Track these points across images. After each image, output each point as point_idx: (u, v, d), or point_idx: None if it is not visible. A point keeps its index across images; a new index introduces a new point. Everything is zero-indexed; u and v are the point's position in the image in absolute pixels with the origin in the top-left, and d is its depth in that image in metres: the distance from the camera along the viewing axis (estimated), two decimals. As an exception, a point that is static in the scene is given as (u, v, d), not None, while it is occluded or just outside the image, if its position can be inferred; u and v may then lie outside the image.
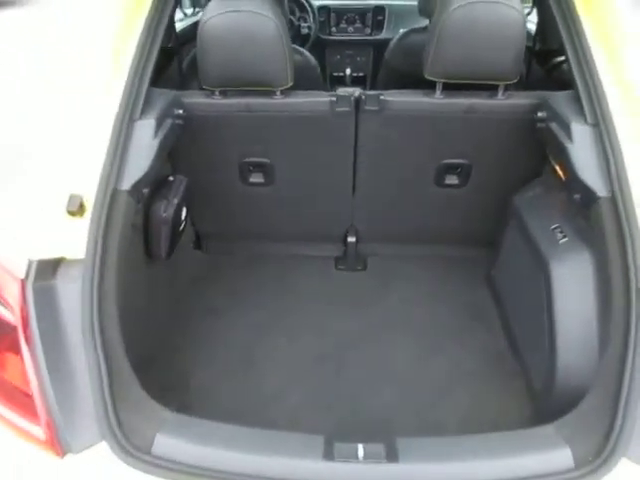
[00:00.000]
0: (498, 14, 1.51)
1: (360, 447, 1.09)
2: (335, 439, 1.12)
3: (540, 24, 2.24)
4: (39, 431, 1.07)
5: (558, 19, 1.56)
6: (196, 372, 1.70)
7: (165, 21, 1.61)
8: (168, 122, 1.57)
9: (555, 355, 1.40)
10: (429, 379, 1.67)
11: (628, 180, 1.26)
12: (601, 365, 1.19)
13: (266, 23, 1.55)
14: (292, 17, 3.15)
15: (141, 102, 1.46)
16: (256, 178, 1.94)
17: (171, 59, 2.27)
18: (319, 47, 3.15)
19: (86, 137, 1.36)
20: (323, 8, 3.26)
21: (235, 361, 1.74)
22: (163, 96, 1.61)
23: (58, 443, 1.07)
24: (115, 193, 1.33)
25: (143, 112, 1.47)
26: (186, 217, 1.79)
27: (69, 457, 1.06)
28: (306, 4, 3.20)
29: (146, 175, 1.43)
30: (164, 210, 1.58)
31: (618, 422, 1.06)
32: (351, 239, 2.12)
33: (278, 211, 2.06)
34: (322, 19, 3.26)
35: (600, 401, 1.13)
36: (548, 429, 1.14)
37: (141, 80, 1.48)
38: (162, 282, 1.85)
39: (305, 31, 3.18)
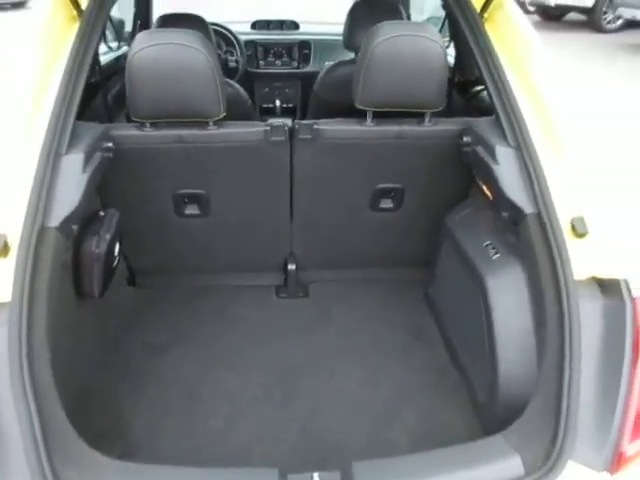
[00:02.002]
0: (420, 46, 1.60)
1: (315, 476, 1.07)
2: (289, 470, 1.09)
3: (457, 57, 2.39)
4: (-37, 495, 0.97)
5: (476, 53, 1.67)
6: (136, 414, 1.61)
7: (91, 54, 1.57)
8: (97, 156, 1.52)
9: (496, 366, 1.45)
10: (376, 401, 1.67)
11: (551, 197, 1.35)
12: (541, 373, 1.25)
13: (196, 55, 1.55)
14: (219, 51, 3.17)
15: (67, 136, 1.42)
16: (191, 210, 1.90)
17: (95, 93, 2.22)
18: (248, 80, 3.17)
19: (9, 173, 1.29)
20: (250, 42, 3.31)
21: (177, 399, 1.66)
22: (91, 129, 1.56)
23: (-15, 506, 0.97)
24: (42, 230, 1.26)
25: (70, 146, 1.42)
26: (119, 252, 1.71)
27: (-1, 521, 0.97)
28: (232, 38, 3.23)
29: (76, 210, 1.37)
30: (96, 246, 1.51)
31: (562, 426, 1.11)
32: (291, 267, 2.11)
33: (216, 242, 2.03)
34: (249, 53, 3.30)
35: (543, 407, 1.18)
36: (497, 439, 1.17)
37: (67, 114, 1.43)
38: (95, 322, 1.76)
39: (233, 64, 3.20)
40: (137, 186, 1.82)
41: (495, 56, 1.62)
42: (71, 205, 1.36)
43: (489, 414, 1.50)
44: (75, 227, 1.43)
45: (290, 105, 3.33)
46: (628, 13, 8.62)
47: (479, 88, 2.30)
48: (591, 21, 9.72)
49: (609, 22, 9.61)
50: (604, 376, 1.16)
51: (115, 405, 1.62)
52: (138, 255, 2.05)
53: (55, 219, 1.30)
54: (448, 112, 1.93)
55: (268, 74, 3.32)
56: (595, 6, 9.46)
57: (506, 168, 1.48)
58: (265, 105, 3.31)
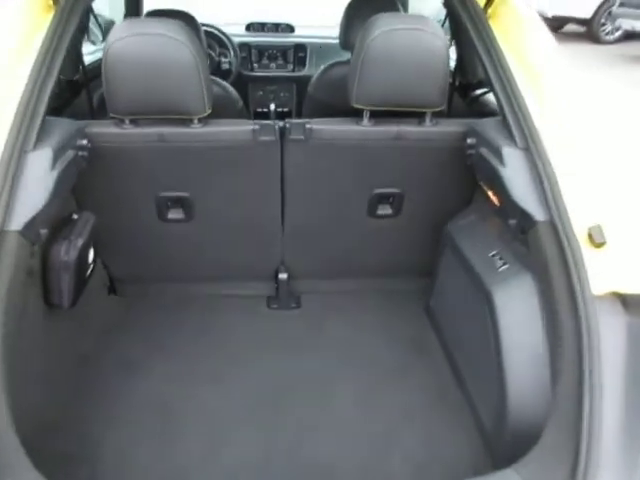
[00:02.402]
0: (420, 40, 1.50)
1: None
2: None
3: (459, 59, 2.29)
4: None
5: (480, 50, 1.57)
6: (106, 437, 1.47)
7: (65, 45, 1.46)
8: (69, 154, 1.41)
9: (504, 389, 1.32)
10: (372, 425, 1.53)
11: (564, 203, 1.23)
12: (556, 398, 1.12)
13: (178, 47, 1.44)
14: (212, 52, 3.08)
15: (35, 132, 1.30)
16: (175, 214, 1.78)
17: (78, 92, 2.11)
18: (241, 83, 3.08)
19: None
20: (244, 45, 3.22)
21: (153, 421, 1.52)
22: (63, 125, 1.44)
23: None
24: (3, 235, 1.15)
25: (38, 143, 1.30)
26: (94, 260, 1.58)
27: None
28: (225, 40, 3.14)
29: (42, 213, 1.25)
30: (65, 253, 1.38)
31: (582, 459, 0.98)
32: (282, 276, 1.98)
33: (201, 249, 1.90)
34: (244, 55, 3.21)
35: (560, 437, 1.05)
36: (507, 474, 1.04)
37: (35, 108, 1.31)
38: (68, 334, 1.62)
39: (226, 67, 3.11)
40: (116, 188, 1.70)
41: (500, 53, 1.52)
42: (36, 207, 1.24)
43: (497, 441, 1.37)
44: (44, 231, 1.32)
45: (285, 110, 3.24)
46: (627, 24, 8.58)
47: (481, 91, 2.20)
48: (589, 32, 9.70)
49: (607, 33, 9.58)
50: (629, 402, 1.03)
51: (83, 426, 1.48)
52: (119, 262, 1.92)
53: (17, 222, 1.19)
54: (449, 116, 1.82)
55: (262, 77, 3.22)
56: (593, 17, 9.44)
57: (514, 171, 1.37)
58: (260, 109, 3.21)
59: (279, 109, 3.20)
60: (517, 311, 1.33)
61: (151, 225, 1.78)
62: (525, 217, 1.32)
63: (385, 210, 1.83)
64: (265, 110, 3.19)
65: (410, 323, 1.90)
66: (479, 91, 2.23)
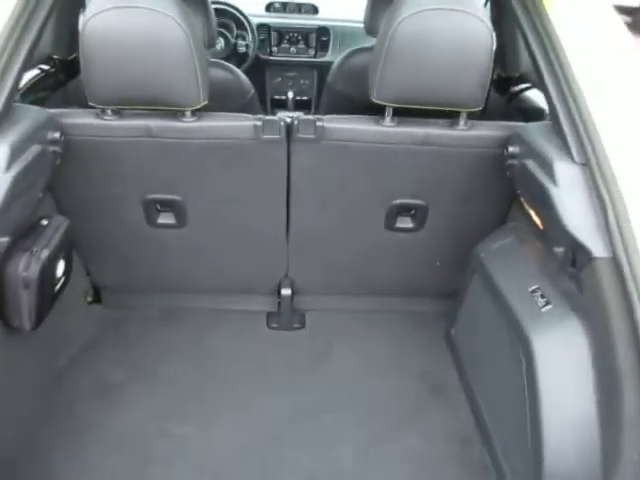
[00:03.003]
0: (459, 24, 1.26)
1: None
2: None
3: (499, 49, 2.02)
4: None
5: (531, 39, 1.32)
6: (74, 479, 1.27)
7: (38, 21, 1.26)
8: (34, 149, 1.21)
9: (540, 463, 1.08)
10: None
11: (634, 236, 0.98)
12: None
13: (168, 24, 1.22)
14: (228, 34, 2.87)
15: None
16: (166, 218, 1.57)
17: (75, 74, 1.90)
18: (259, 68, 2.88)
19: None
20: (263, 26, 3.00)
21: (129, 460, 1.33)
22: (30, 115, 1.25)
23: None
24: None
25: None
26: (67, 272, 1.38)
27: None
28: (244, 20, 2.92)
29: None
30: (24, 267, 1.18)
31: None
32: (286, 291, 1.76)
33: (195, 258, 1.69)
34: (262, 38, 2.99)
35: None
36: None
37: None
38: (34, 357, 1.42)
39: (242, 50, 2.90)
40: (98, 188, 1.50)
41: (556, 41, 1.26)
42: None
43: None
44: (3, 240, 1.14)
45: (305, 98, 3.01)
46: (678, 14, 8.06)
47: (523, 86, 1.93)
48: (635, 23, 9.18)
49: (655, 24, 9.07)
50: None
51: (45, 467, 1.29)
52: (103, 269, 1.72)
53: None
54: (483, 115, 1.56)
55: (281, 62, 3.00)
56: (641, 7, 8.93)
57: (568, 191, 1.13)
58: (277, 97, 3.00)
59: (298, 97, 2.98)
60: (563, 367, 1.08)
61: (138, 230, 1.58)
62: (579, 249, 1.08)
63: (405, 223, 1.59)
64: (283, 98, 2.97)
65: (427, 353, 1.66)
66: (521, 86, 1.96)
